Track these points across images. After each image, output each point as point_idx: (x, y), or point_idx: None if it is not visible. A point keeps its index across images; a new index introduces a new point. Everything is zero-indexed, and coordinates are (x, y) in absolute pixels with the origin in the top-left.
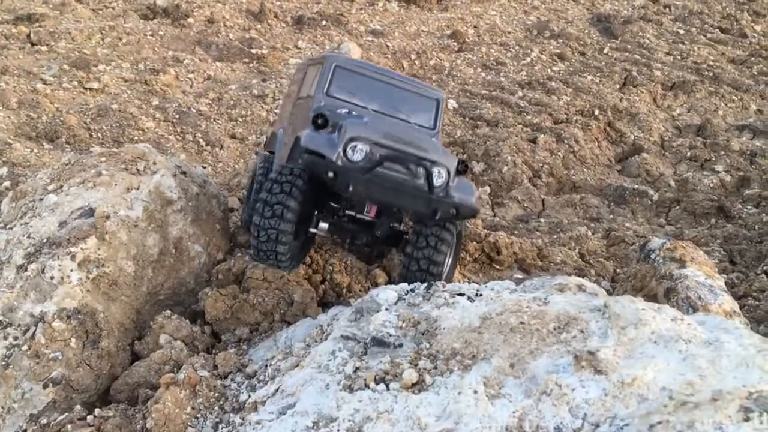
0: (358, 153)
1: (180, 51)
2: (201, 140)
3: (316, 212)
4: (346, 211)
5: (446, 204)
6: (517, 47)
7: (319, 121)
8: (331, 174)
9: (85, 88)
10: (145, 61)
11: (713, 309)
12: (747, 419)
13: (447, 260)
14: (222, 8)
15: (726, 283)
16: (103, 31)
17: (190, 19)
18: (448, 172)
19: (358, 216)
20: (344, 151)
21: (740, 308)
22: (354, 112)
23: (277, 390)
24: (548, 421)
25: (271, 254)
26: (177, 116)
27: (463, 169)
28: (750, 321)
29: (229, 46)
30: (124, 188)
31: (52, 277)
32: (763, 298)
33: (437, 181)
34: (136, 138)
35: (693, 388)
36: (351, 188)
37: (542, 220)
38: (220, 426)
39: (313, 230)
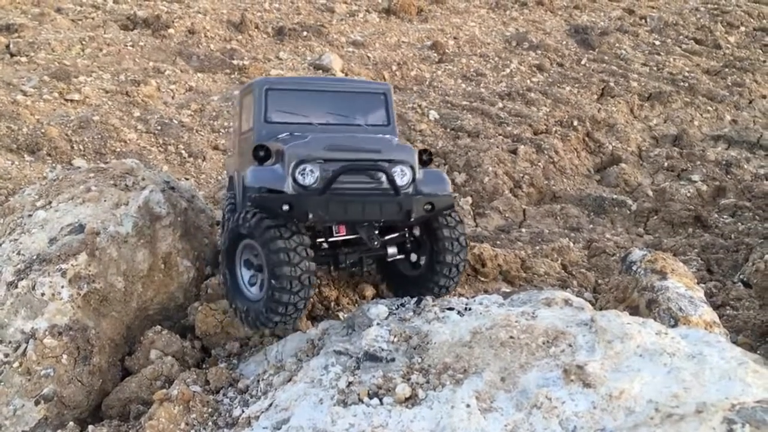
0: (309, 176)
1: (161, 62)
2: (183, 152)
3: None
4: (317, 241)
5: (418, 201)
6: (496, 58)
7: (261, 154)
8: (286, 207)
9: (66, 100)
10: (126, 72)
11: (694, 320)
12: (730, 430)
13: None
14: (203, 19)
15: (704, 293)
16: (84, 42)
17: (171, 30)
18: (411, 168)
19: (330, 240)
20: (294, 178)
21: (720, 318)
22: (296, 133)
23: (270, 405)
24: None
25: (302, 302)
26: (159, 128)
27: (428, 158)
28: (729, 330)
29: (210, 57)
30: (113, 204)
31: (42, 294)
32: (740, 307)
33: (401, 180)
34: (118, 150)
35: (678, 400)
36: (311, 216)
37: (523, 230)
38: None
39: None
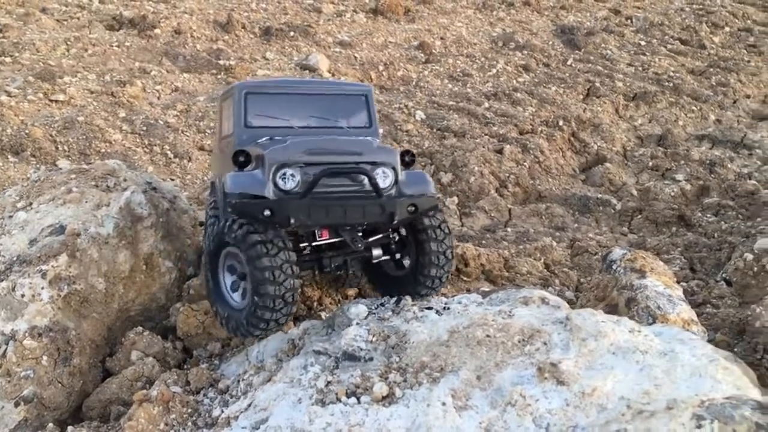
0: (290, 180)
1: (147, 62)
2: (169, 152)
3: None
4: (300, 245)
5: (401, 203)
6: (483, 59)
7: (241, 159)
8: (267, 212)
9: (51, 100)
10: (112, 73)
11: (672, 318)
12: (699, 426)
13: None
14: (189, 19)
15: (686, 291)
16: (69, 42)
17: (157, 30)
18: (393, 169)
19: (314, 244)
20: (274, 183)
21: (699, 316)
22: (277, 137)
23: (249, 405)
24: (513, 431)
25: (283, 318)
26: (144, 128)
27: (410, 159)
28: (708, 328)
29: (196, 57)
30: (94, 205)
31: (22, 295)
32: (721, 305)
33: (383, 182)
34: (103, 150)
35: (649, 397)
36: (293, 221)
37: (509, 229)
38: None
39: None
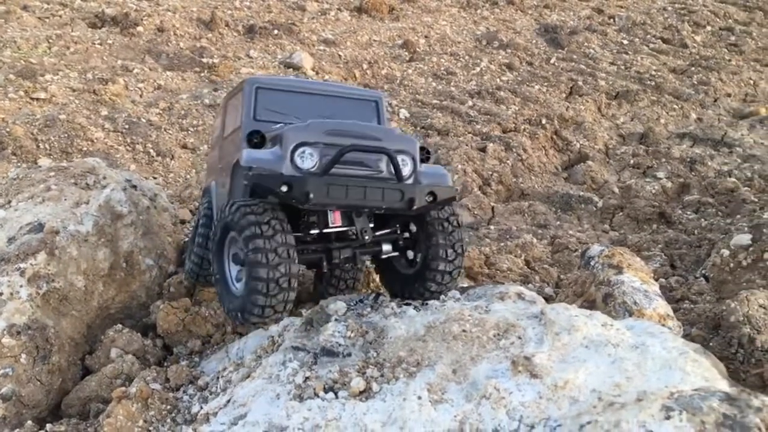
0: (308, 159)
1: (129, 60)
2: (152, 151)
3: None
4: (309, 232)
5: (421, 190)
6: (466, 57)
7: (255, 140)
8: (284, 188)
9: (32, 98)
10: (94, 71)
11: (648, 313)
12: (668, 417)
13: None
14: (172, 17)
15: (665, 287)
16: (50, 40)
17: (140, 28)
18: (413, 159)
19: (325, 231)
20: (292, 161)
21: (676, 311)
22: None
23: (228, 401)
24: (487, 424)
25: (281, 305)
26: (127, 126)
27: (425, 156)
28: (684, 323)
29: (179, 55)
30: (73, 203)
31: (1, 293)
32: (700, 301)
33: (405, 169)
34: (84, 149)
35: (620, 389)
36: (312, 196)
37: (492, 227)
38: None
39: None
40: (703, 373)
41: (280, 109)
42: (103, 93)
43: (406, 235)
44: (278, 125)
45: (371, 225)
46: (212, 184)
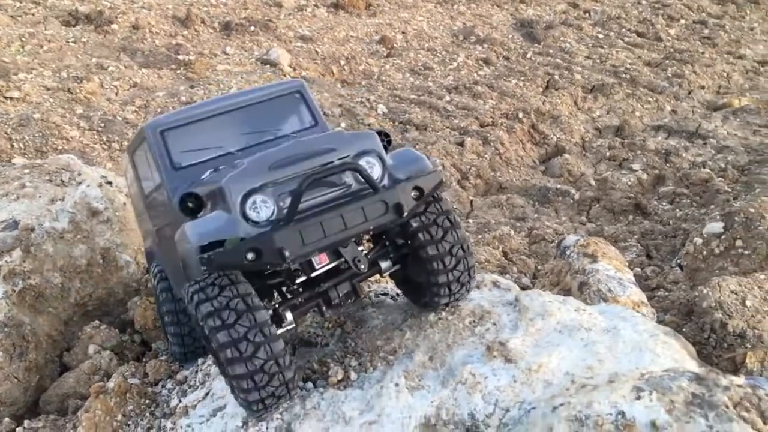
0: (263, 208)
1: (104, 58)
2: (124, 153)
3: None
4: (296, 281)
5: (404, 189)
6: (444, 52)
7: (191, 205)
8: (251, 255)
9: (5, 98)
10: (68, 69)
11: (622, 300)
12: (639, 398)
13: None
14: (147, 14)
15: (641, 277)
16: (23, 39)
17: (114, 26)
18: (379, 156)
19: (313, 275)
20: (245, 217)
21: (651, 299)
22: (221, 167)
23: (207, 394)
24: (463, 409)
25: (282, 389)
26: (102, 125)
27: (387, 142)
28: (658, 311)
29: (155, 53)
30: (48, 200)
31: None
32: (675, 289)
33: (375, 172)
34: (60, 148)
35: (592, 371)
36: (288, 253)
37: (470, 220)
38: (151, 431)
39: (281, 331)
40: (672, 354)
41: (196, 146)
42: (78, 91)
43: (400, 242)
44: (207, 173)
45: (361, 249)
46: (155, 249)
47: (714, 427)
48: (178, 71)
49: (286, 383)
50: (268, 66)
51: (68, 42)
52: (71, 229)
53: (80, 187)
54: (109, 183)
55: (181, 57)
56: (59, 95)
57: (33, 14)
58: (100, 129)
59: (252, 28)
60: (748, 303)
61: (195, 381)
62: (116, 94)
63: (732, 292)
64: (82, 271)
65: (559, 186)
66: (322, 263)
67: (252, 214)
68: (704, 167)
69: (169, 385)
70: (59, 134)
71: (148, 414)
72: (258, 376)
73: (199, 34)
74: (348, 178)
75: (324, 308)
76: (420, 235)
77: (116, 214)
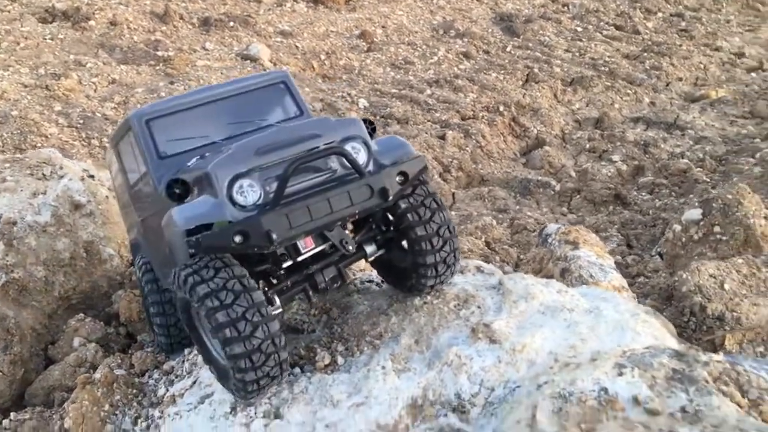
0: (250, 193)
1: (82, 54)
2: (108, 145)
3: None
4: (282, 266)
5: (389, 174)
6: (424, 46)
7: (177, 190)
8: (238, 238)
9: None
10: (46, 66)
11: (603, 285)
12: (621, 374)
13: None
14: (125, 10)
15: (622, 265)
16: (0, 36)
17: (92, 22)
18: (364, 142)
19: (299, 260)
20: (232, 201)
21: (632, 285)
22: (207, 154)
23: (194, 383)
24: (449, 389)
25: (276, 369)
26: (81, 121)
27: (371, 129)
28: (639, 296)
29: (133, 49)
30: (30, 193)
31: None
32: (655, 276)
33: (361, 158)
34: (38, 145)
35: (575, 350)
36: (275, 236)
37: (453, 213)
38: (139, 421)
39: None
40: (653, 332)
41: (181, 134)
42: (56, 88)
43: (387, 227)
44: (193, 160)
45: (347, 231)
46: (140, 240)
47: (694, 401)
48: (158, 67)
49: (280, 364)
50: (248, 61)
51: (45, 39)
52: (54, 223)
53: (62, 180)
54: (91, 176)
55: (160, 53)
56: (37, 92)
57: (9, 11)
58: (79, 126)
59: (231, 23)
60: (726, 286)
61: (182, 370)
62: (95, 90)
63: (711, 276)
64: (65, 265)
65: (540, 178)
66: (307, 247)
67: (239, 199)
68: (683, 158)
69: (155, 376)
70: (38, 131)
71: (135, 404)
72: (255, 356)
73: (178, 29)
74: (333, 163)
75: (310, 292)
76: (409, 215)
77: (99, 207)
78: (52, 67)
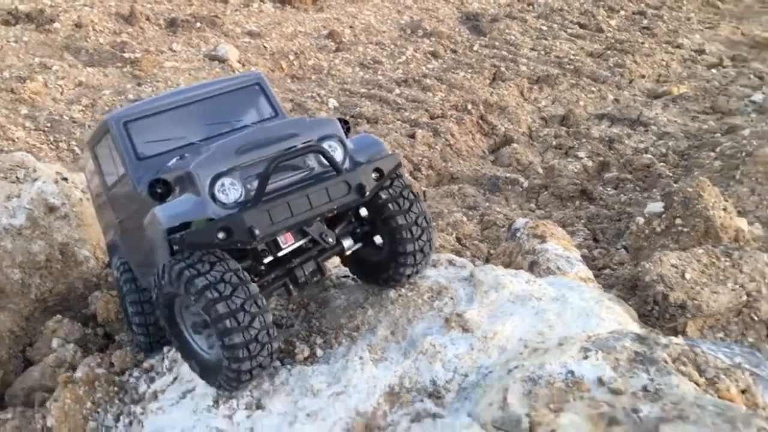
0: (232, 191)
1: (47, 57)
2: (76, 148)
3: None
4: (263, 262)
5: (365, 171)
6: (392, 46)
7: (159, 190)
8: (222, 234)
9: None
10: (10, 69)
11: (570, 276)
12: (586, 357)
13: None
14: (90, 12)
15: (588, 258)
16: None
17: (57, 24)
18: (341, 140)
19: (280, 255)
20: (214, 198)
21: (598, 277)
22: (186, 155)
23: (175, 379)
24: (425, 376)
25: (267, 359)
26: (49, 125)
27: (347, 129)
28: (604, 287)
29: (100, 51)
30: (4, 197)
31: None
32: (620, 268)
33: (337, 156)
34: (6, 149)
35: (543, 336)
36: (258, 232)
37: None
38: (121, 417)
39: None
40: (616, 318)
41: (158, 136)
42: (22, 91)
43: (362, 222)
44: (172, 161)
45: (326, 226)
46: (118, 241)
47: (655, 380)
48: (125, 69)
49: (271, 354)
50: (216, 62)
51: (9, 42)
52: (29, 225)
53: (36, 183)
54: (65, 179)
55: (126, 55)
56: (2, 96)
57: None
58: (46, 129)
59: (198, 24)
60: (687, 276)
61: (162, 368)
62: (61, 93)
63: (672, 266)
64: (41, 267)
65: (508, 175)
66: (288, 243)
67: (221, 197)
68: (646, 153)
69: (136, 374)
70: (4, 135)
71: (117, 401)
72: (252, 345)
73: (145, 31)
74: (311, 161)
75: (291, 287)
76: (390, 205)
77: (73, 209)
78: (17, 70)
